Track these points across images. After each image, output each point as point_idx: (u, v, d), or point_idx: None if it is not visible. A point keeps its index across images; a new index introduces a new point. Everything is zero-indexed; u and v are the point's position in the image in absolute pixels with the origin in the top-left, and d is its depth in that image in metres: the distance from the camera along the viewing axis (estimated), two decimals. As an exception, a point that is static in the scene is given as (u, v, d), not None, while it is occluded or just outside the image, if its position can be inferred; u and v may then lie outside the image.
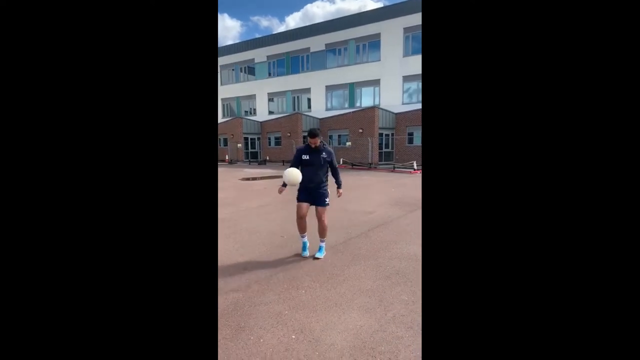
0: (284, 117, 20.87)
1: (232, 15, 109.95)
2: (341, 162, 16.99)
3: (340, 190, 3.46)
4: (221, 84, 26.45)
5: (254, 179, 11.50)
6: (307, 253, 3.40)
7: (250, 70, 25.26)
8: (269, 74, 24.23)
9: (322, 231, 3.39)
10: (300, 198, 3.30)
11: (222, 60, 26.03)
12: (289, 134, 19.92)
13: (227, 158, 21.53)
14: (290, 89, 23.12)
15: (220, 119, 26.22)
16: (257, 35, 60.80)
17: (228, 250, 3.62)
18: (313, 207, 3.34)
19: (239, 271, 3.03)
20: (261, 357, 1.79)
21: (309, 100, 22.64)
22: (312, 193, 3.27)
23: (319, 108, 21.84)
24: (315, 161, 3.24)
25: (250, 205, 6.32)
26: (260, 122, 22.22)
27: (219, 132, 23.12)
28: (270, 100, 24.42)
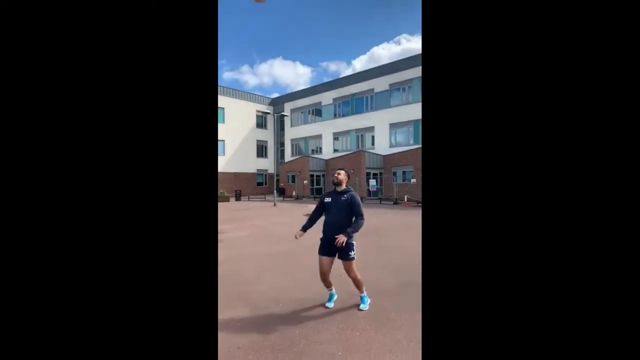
0: (347, 154, 21.38)
1: (304, 62, 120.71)
2: (405, 200, 16.49)
3: (342, 237, 2.75)
4: (291, 126, 28.53)
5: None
6: (331, 304, 3.14)
7: (317, 112, 26.87)
8: (335, 115, 25.43)
9: (356, 285, 3.10)
10: (322, 251, 2.98)
11: (292, 105, 28.32)
12: (352, 171, 20.22)
13: (294, 194, 22.55)
14: (354, 128, 23.81)
15: (289, 157, 27.96)
16: (326, 79, 64.93)
17: (285, 286, 3.76)
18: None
19: (295, 307, 3.13)
20: (312, 397, 1.83)
21: (372, 137, 22.96)
22: (334, 245, 2.85)
23: (383, 145, 21.93)
24: (338, 202, 2.97)
25: (309, 242, 6.48)
26: (325, 160, 23.07)
27: (288, 170, 24.56)
28: (336, 139, 25.37)
